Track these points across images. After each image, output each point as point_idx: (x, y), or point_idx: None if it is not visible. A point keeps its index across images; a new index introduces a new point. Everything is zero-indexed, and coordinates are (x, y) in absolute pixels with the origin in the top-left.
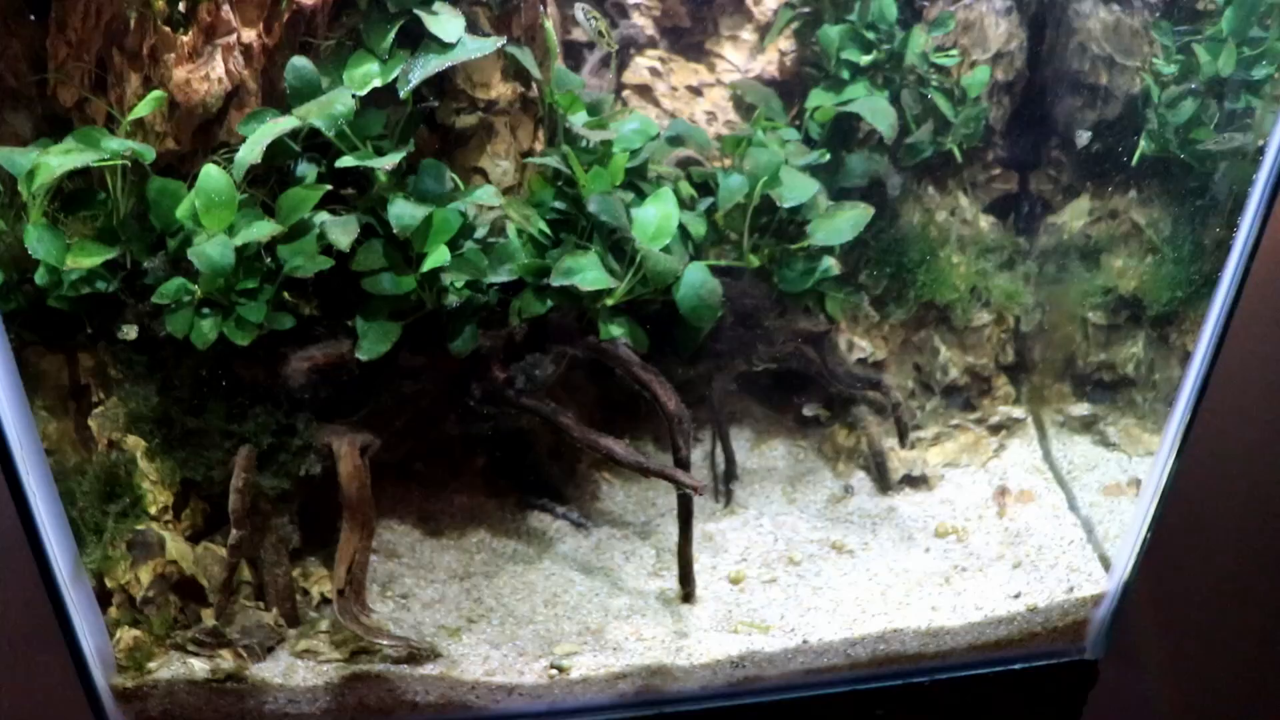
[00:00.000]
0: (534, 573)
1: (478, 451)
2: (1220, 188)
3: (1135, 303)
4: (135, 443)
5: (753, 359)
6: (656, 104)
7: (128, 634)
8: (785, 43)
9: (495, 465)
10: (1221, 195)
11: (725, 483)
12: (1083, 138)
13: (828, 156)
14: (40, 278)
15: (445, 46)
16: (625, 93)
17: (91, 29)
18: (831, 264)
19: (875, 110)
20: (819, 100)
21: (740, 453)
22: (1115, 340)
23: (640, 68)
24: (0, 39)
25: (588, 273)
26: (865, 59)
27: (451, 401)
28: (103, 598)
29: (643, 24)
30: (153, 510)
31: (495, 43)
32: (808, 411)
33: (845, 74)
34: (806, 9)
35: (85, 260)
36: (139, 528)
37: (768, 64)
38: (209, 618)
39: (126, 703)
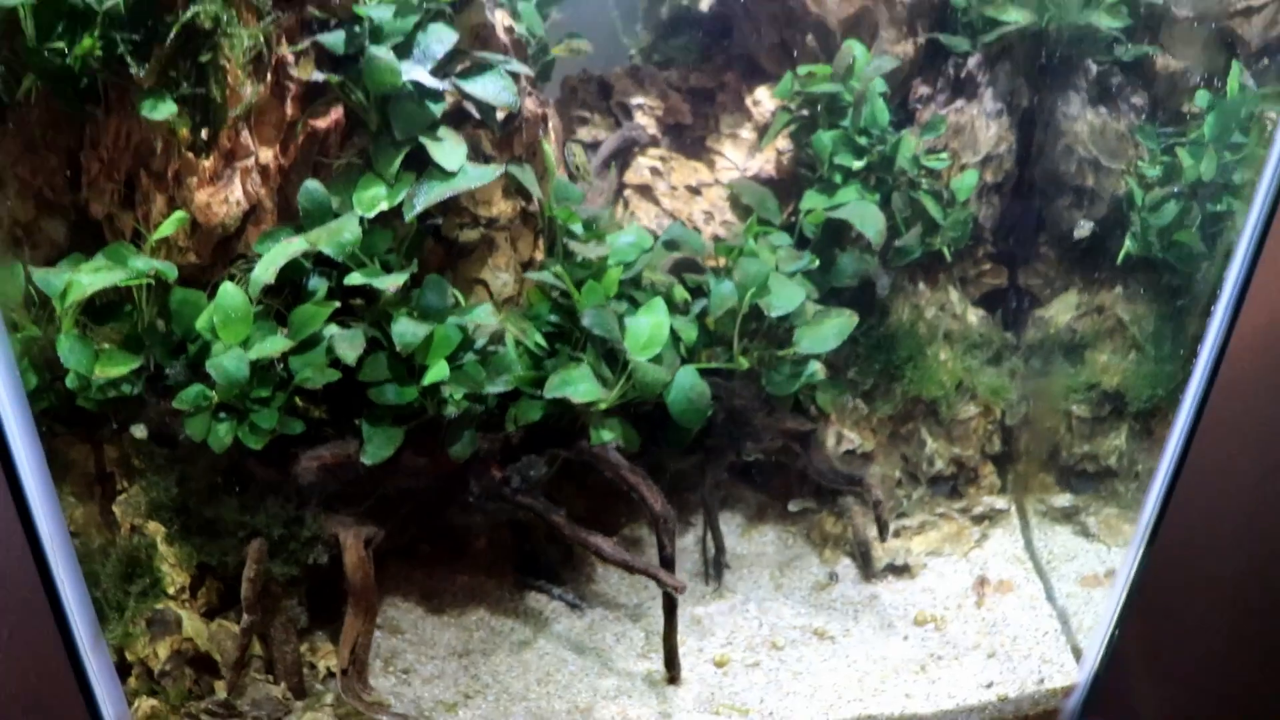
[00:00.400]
0: (529, 651)
1: (479, 533)
2: (1202, 287)
3: (1118, 397)
4: (156, 528)
5: (742, 452)
6: (657, 203)
7: (145, 703)
8: (783, 142)
9: (495, 547)
10: (1203, 294)
11: (715, 567)
12: (1084, 227)
13: (817, 263)
14: (71, 382)
15: (448, 175)
16: (627, 192)
17: (122, 150)
18: (817, 369)
19: (864, 217)
20: (812, 203)
21: (732, 537)
22: (1099, 432)
23: (642, 167)
24: (38, 153)
25: (579, 385)
26: (857, 164)
27: (452, 495)
28: (123, 669)
29: (645, 123)
30: (171, 590)
31: (495, 171)
32: (793, 507)
33: (838, 178)
34: (804, 112)
35: (112, 370)
36: (158, 606)
37: (765, 163)
38: (222, 690)
39: None
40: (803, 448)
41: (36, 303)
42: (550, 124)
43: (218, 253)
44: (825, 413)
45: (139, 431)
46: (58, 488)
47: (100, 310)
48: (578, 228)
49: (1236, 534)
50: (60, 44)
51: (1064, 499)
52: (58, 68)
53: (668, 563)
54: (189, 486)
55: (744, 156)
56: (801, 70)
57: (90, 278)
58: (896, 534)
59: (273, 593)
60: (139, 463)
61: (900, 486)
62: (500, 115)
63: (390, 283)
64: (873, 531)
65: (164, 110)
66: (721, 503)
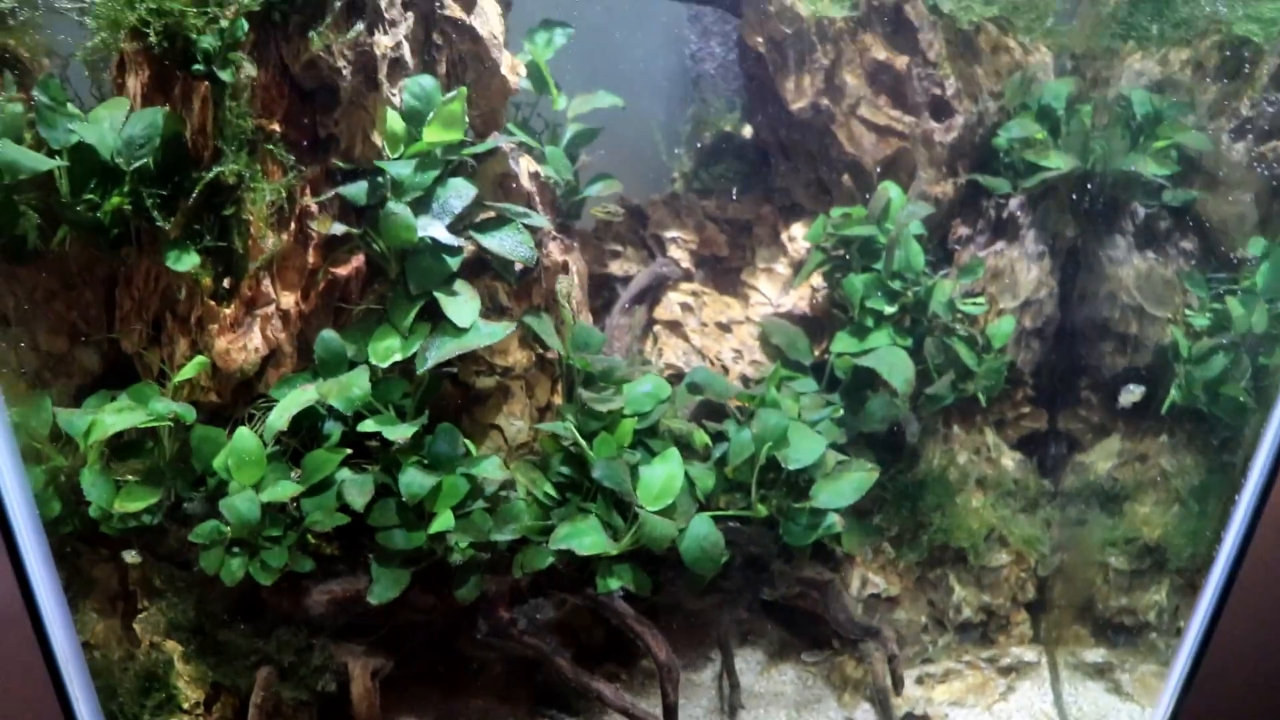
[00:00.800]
0: None
1: (494, 658)
2: (1252, 441)
3: (1160, 550)
4: (173, 647)
5: (759, 596)
6: (686, 339)
7: None
8: (818, 279)
9: (511, 673)
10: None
11: (730, 707)
12: (1134, 392)
13: (840, 412)
14: (94, 512)
15: (460, 331)
16: (656, 328)
17: (150, 291)
18: (835, 521)
19: (892, 366)
20: (843, 346)
21: (750, 674)
22: (1138, 586)
23: (672, 303)
24: (75, 289)
25: (585, 537)
26: (889, 309)
27: (462, 631)
28: None
29: (679, 257)
30: (185, 705)
31: (506, 329)
32: (808, 658)
33: (870, 321)
34: (839, 252)
35: (131, 505)
36: None
37: (799, 300)
38: None
39: None
40: (821, 596)
41: (64, 435)
42: (574, 269)
43: (238, 393)
44: (851, 555)
45: (130, 556)
46: (81, 604)
47: (124, 447)
48: (595, 377)
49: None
50: (92, 197)
51: (1097, 653)
52: (90, 220)
53: (670, 711)
54: (205, 610)
55: (778, 292)
56: (835, 212)
57: (113, 418)
58: (920, 681)
59: (283, 714)
60: (159, 584)
61: (926, 632)
62: (518, 267)
63: (399, 434)
64: (887, 682)
65: (187, 262)
66: (743, 638)
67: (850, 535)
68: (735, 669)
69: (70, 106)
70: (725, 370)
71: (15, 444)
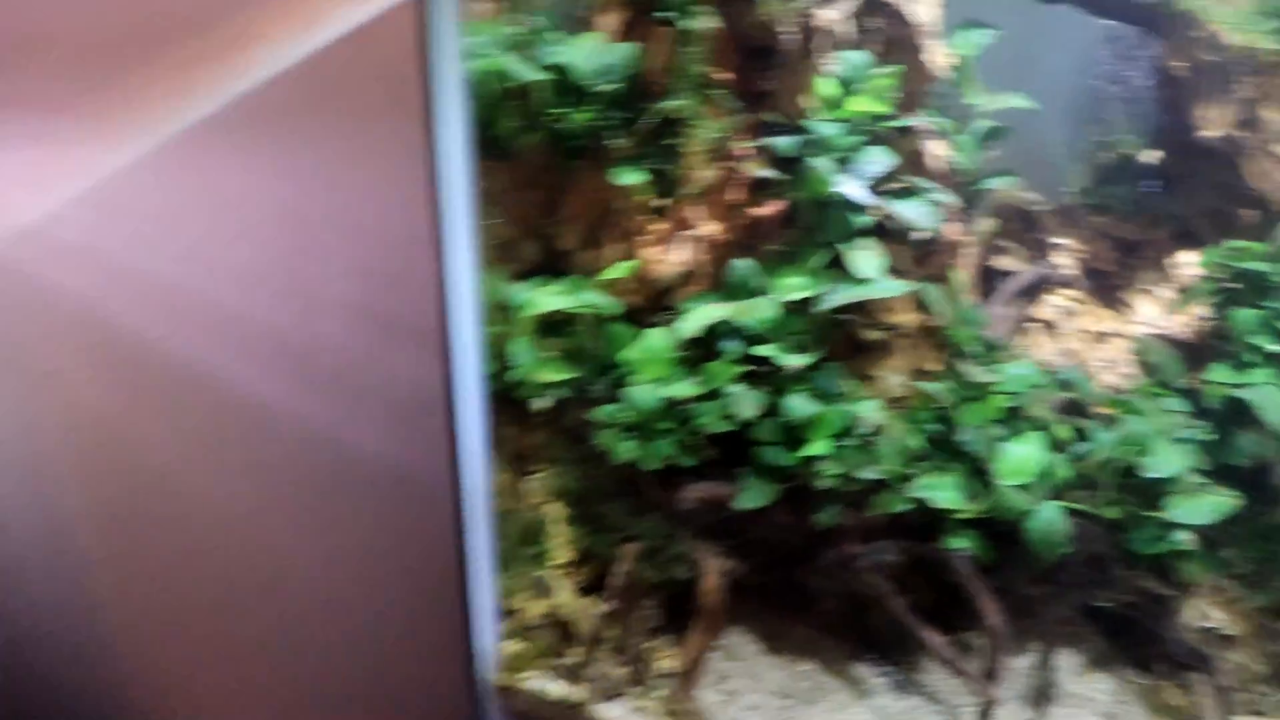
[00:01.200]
0: (845, 714)
1: (831, 594)
2: None
3: None
4: (555, 510)
5: (1093, 597)
6: (1058, 341)
7: (512, 646)
8: (1201, 308)
9: (842, 611)
10: None
11: (1039, 697)
12: None
13: (1211, 436)
14: (517, 375)
15: (862, 281)
16: (1031, 325)
17: (591, 200)
18: (1185, 539)
19: (1270, 403)
20: (1218, 376)
21: (1065, 674)
22: None
23: (1049, 304)
24: (528, 189)
25: (943, 491)
26: (1275, 348)
27: (808, 556)
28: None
29: (1062, 263)
30: (555, 563)
31: (904, 286)
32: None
33: (1249, 358)
34: (1231, 284)
35: (549, 375)
36: (540, 573)
37: (1180, 325)
38: (574, 656)
39: (499, 695)
40: (1156, 611)
41: (504, 308)
42: (970, 251)
43: (653, 300)
44: (1192, 583)
45: (540, 401)
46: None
47: (550, 326)
48: (974, 351)
49: None
50: (563, 111)
51: None
52: (556, 130)
53: (992, 675)
54: (589, 484)
55: (1158, 314)
56: (1233, 244)
57: (547, 299)
58: None
59: (636, 590)
60: (555, 453)
61: (1261, 683)
62: (921, 236)
63: (794, 362)
64: (1213, 718)
65: (634, 178)
66: (1066, 637)
67: (1197, 560)
68: (1052, 663)
69: (554, 34)
70: (1091, 378)
71: (481, 306)
